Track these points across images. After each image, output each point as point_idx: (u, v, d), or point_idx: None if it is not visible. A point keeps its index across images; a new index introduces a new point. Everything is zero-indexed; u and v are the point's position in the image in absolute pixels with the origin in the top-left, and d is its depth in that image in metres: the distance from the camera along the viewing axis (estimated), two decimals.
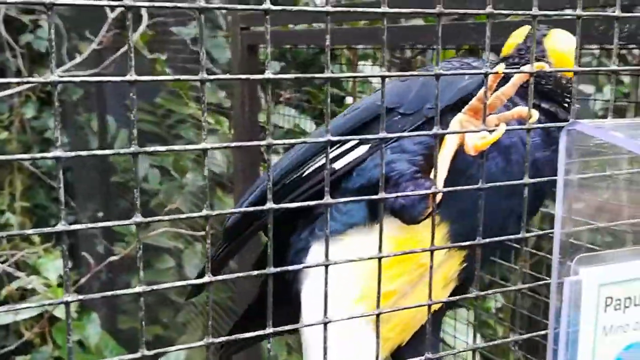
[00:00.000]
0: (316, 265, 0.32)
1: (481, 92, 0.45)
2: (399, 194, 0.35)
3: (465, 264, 0.60)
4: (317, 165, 0.59)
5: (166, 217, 0.29)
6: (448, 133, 0.44)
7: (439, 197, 0.49)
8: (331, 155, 0.58)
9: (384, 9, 0.32)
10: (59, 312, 1.91)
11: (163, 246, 2.24)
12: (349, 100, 1.86)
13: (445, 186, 0.47)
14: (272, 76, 0.30)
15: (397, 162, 0.55)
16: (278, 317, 0.61)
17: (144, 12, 2.01)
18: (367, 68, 1.79)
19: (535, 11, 0.34)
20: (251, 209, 0.30)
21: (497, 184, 0.36)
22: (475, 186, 0.35)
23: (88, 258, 1.93)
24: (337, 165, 0.58)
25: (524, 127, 0.36)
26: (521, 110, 0.47)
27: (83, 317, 2.15)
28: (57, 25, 2.79)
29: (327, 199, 0.31)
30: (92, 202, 3.08)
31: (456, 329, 1.33)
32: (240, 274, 0.30)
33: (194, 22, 2.02)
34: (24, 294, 2.24)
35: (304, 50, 1.97)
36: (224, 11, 1.81)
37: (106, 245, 2.78)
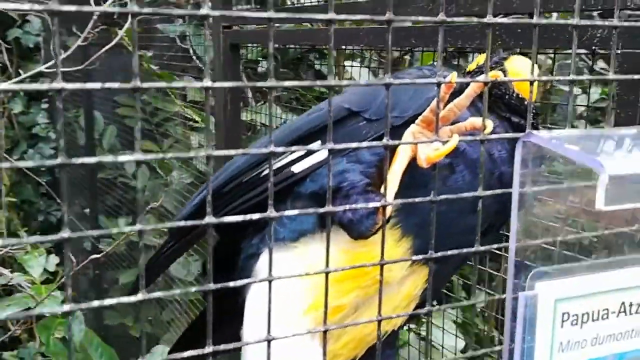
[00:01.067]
0: (260, 281, 0.31)
1: (433, 103, 0.44)
2: (346, 207, 0.33)
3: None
4: (275, 167, 0.57)
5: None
6: (399, 144, 0.43)
7: (388, 212, 0.48)
8: (290, 158, 0.57)
9: (331, 15, 0.31)
10: (44, 310, 1.90)
11: (149, 244, 2.23)
12: None
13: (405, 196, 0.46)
14: (210, 84, 0.29)
15: (350, 172, 0.54)
16: (229, 329, 0.60)
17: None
18: (354, 67, 1.79)
19: (489, 19, 0.33)
20: (189, 223, 0.29)
21: (451, 196, 0.35)
22: (427, 198, 0.34)
23: (72, 257, 1.91)
24: (296, 168, 0.57)
25: (478, 138, 0.35)
26: (475, 121, 0.46)
27: (67, 314, 2.12)
28: (45, 20, 2.78)
29: (271, 212, 0.30)
30: (79, 199, 3.06)
31: (443, 327, 1.33)
32: (177, 291, 0.29)
33: (180, 19, 2.00)
34: (11, 290, 2.23)
35: (292, 49, 1.96)
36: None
37: (93, 242, 2.77)
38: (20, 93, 2.96)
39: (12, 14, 2.92)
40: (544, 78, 0.41)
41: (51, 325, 1.89)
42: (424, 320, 1.45)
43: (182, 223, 0.28)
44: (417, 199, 0.34)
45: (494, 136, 0.37)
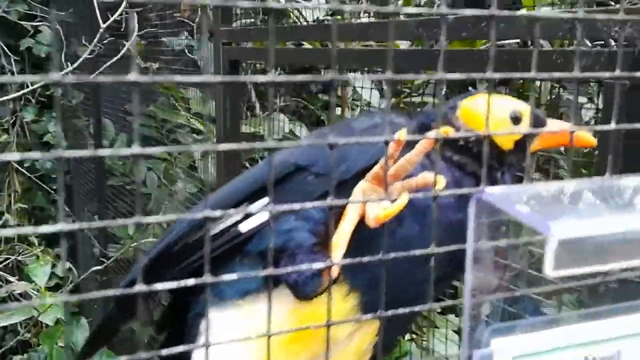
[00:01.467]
0: (200, 346, 0.30)
1: (382, 160, 0.43)
2: (289, 269, 0.33)
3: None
4: (224, 226, 0.56)
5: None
6: (345, 203, 0.41)
7: (335, 273, 0.46)
8: (238, 217, 0.55)
9: (270, 77, 0.30)
10: (47, 319, 1.91)
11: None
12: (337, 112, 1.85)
13: (351, 255, 0.45)
14: (138, 151, 0.28)
15: (298, 230, 0.52)
16: None
17: (135, 22, 2.01)
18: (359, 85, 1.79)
19: (440, 75, 0.33)
20: (120, 291, 0.28)
21: (401, 254, 0.34)
22: (376, 257, 0.34)
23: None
24: (244, 227, 0.55)
25: (429, 194, 0.34)
26: (426, 177, 0.44)
27: (72, 322, 2.14)
28: (57, 30, 2.81)
29: (207, 278, 0.30)
30: (89, 206, 3.09)
31: (447, 337, 1.32)
32: None
33: (185, 32, 2.02)
34: (19, 296, 2.26)
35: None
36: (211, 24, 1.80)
37: (101, 248, 2.79)
38: (32, 101, 2.99)
39: (25, 25, 2.96)
40: (499, 132, 0.40)
41: (54, 334, 1.90)
42: (425, 329, 1.44)
43: (111, 292, 0.28)
44: (365, 259, 0.33)
45: (446, 192, 0.36)
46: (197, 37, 1.91)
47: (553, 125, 0.57)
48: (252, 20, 1.66)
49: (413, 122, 0.56)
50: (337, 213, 0.48)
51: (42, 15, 3.00)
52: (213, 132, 2.02)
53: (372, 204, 0.44)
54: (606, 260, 0.33)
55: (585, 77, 0.36)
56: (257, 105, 2.17)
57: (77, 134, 3.17)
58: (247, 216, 0.55)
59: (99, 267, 1.78)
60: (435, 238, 0.35)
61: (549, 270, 0.31)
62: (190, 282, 0.30)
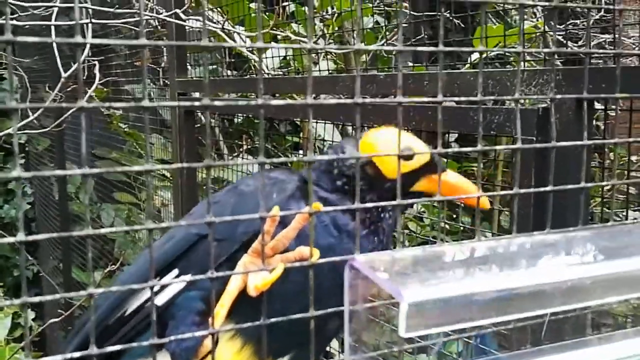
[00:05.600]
0: None
1: (260, 237, 0.47)
2: (171, 338, 0.36)
3: None
4: (139, 302, 0.61)
5: None
6: (228, 274, 0.45)
7: (210, 345, 0.50)
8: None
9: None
10: None
11: None
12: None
13: (243, 310, 0.49)
14: (23, 238, 0.31)
15: (189, 301, 0.57)
16: None
17: (96, 70, 2.06)
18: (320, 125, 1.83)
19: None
20: None
21: (282, 318, 0.38)
22: (257, 322, 0.37)
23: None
24: (159, 301, 0.59)
25: (305, 263, 0.38)
26: (303, 250, 0.49)
27: None
28: (22, 77, 2.84)
29: (92, 349, 0.33)
30: (56, 253, 3.07)
31: None
32: None
33: (147, 79, 2.06)
34: None
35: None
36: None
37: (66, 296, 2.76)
38: None
39: None
40: (370, 204, 0.44)
41: None
42: None
43: None
44: (245, 325, 0.37)
45: (322, 260, 0.40)
46: (156, 85, 1.96)
47: (451, 175, 0.62)
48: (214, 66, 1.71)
49: (295, 178, 0.61)
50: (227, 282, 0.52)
51: (7, 62, 3.03)
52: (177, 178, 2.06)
53: (252, 274, 0.48)
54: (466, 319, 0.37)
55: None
56: (224, 147, 2.21)
57: (43, 180, 3.17)
58: (160, 289, 0.60)
59: (56, 320, 1.77)
60: (312, 304, 0.38)
61: (402, 332, 0.34)
62: (76, 354, 0.33)
